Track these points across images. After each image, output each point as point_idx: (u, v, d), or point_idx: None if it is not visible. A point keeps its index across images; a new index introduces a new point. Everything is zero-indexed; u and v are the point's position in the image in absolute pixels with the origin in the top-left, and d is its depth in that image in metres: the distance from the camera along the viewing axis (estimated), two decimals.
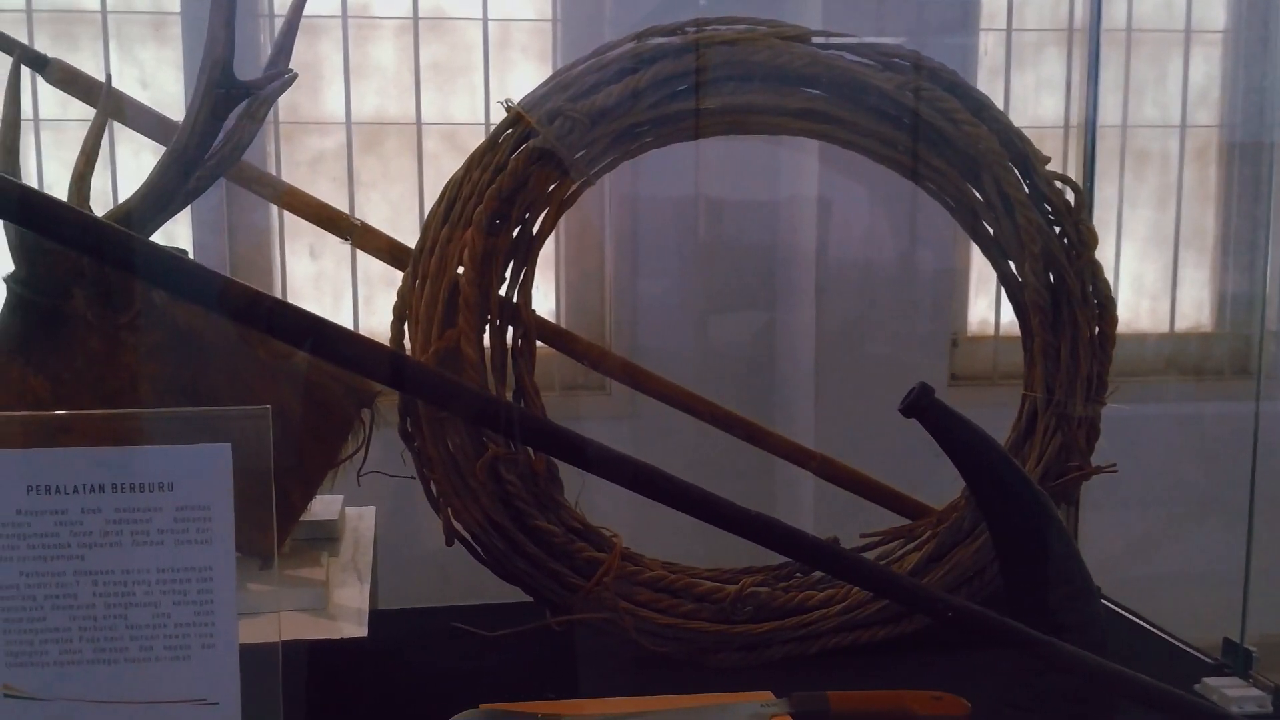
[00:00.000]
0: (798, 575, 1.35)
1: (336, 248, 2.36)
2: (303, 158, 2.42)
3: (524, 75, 2.48)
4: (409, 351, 1.26)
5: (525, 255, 1.29)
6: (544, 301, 2.31)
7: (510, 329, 1.29)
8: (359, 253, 2.19)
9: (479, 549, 1.29)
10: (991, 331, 2.58)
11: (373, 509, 1.39)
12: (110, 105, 1.19)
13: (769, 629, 1.28)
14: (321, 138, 2.45)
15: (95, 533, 0.85)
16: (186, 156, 1.02)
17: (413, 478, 1.30)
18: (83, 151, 1.12)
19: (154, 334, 1.05)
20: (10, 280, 1.05)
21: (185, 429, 0.86)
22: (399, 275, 1.31)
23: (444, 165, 2.39)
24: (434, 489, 1.29)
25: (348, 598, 1.09)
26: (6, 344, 1.07)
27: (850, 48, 1.31)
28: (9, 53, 1.28)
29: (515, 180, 1.26)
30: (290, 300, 2.27)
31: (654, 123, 1.30)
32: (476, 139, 2.26)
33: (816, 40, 1.30)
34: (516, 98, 2.48)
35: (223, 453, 0.86)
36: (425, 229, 1.29)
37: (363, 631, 1.00)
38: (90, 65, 2.27)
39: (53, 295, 1.04)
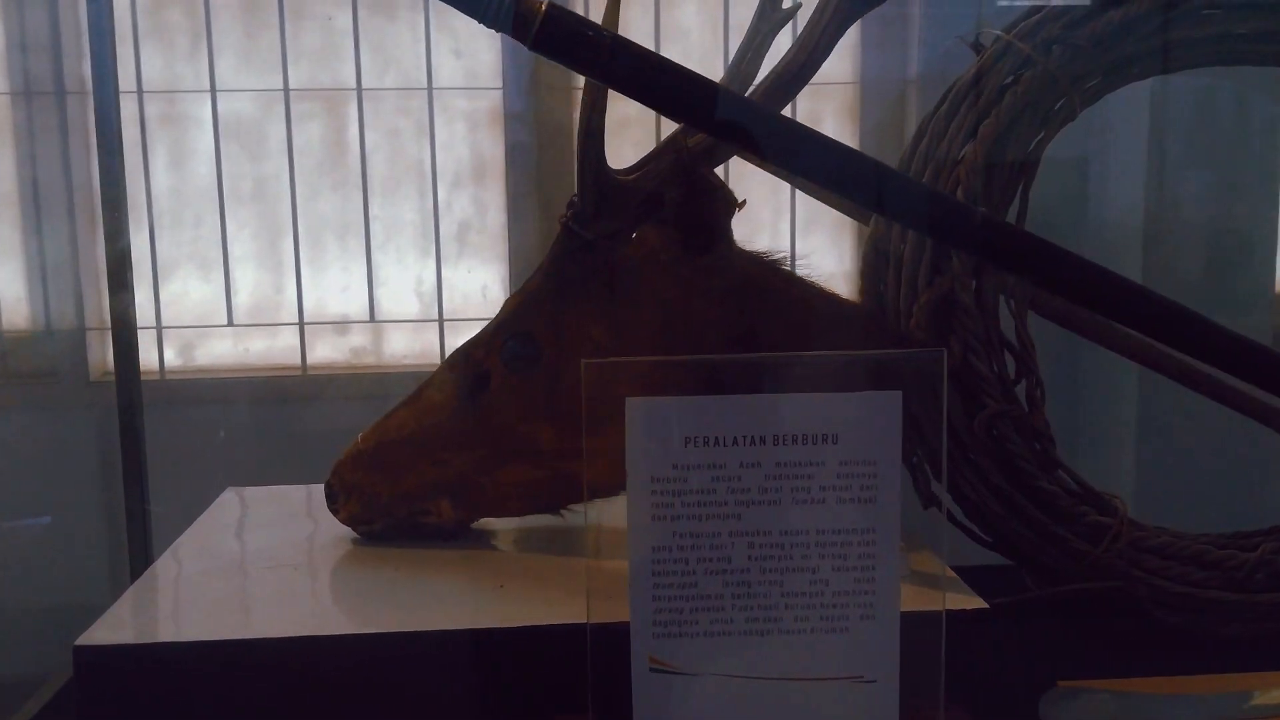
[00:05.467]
0: None
1: None
2: (607, 122, 2.28)
3: None
4: (888, 301, 1.11)
5: (1013, 192, 1.14)
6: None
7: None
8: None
9: (959, 510, 1.15)
10: None
11: None
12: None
13: None
14: (626, 103, 2.31)
15: (753, 489, 0.72)
16: (801, 75, 0.88)
17: None
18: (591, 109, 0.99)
19: (726, 277, 0.92)
20: (572, 222, 0.93)
21: (846, 375, 0.73)
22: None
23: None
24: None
25: (920, 563, 0.94)
26: (559, 289, 0.94)
27: None
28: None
29: (1011, 113, 1.10)
30: None
31: (1150, 52, 1.14)
32: None
33: None
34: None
35: (894, 401, 0.72)
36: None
37: (982, 602, 0.86)
38: (407, 35, 2.18)
39: (618, 237, 0.91)
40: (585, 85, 0.88)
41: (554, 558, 1.00)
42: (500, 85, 2.15)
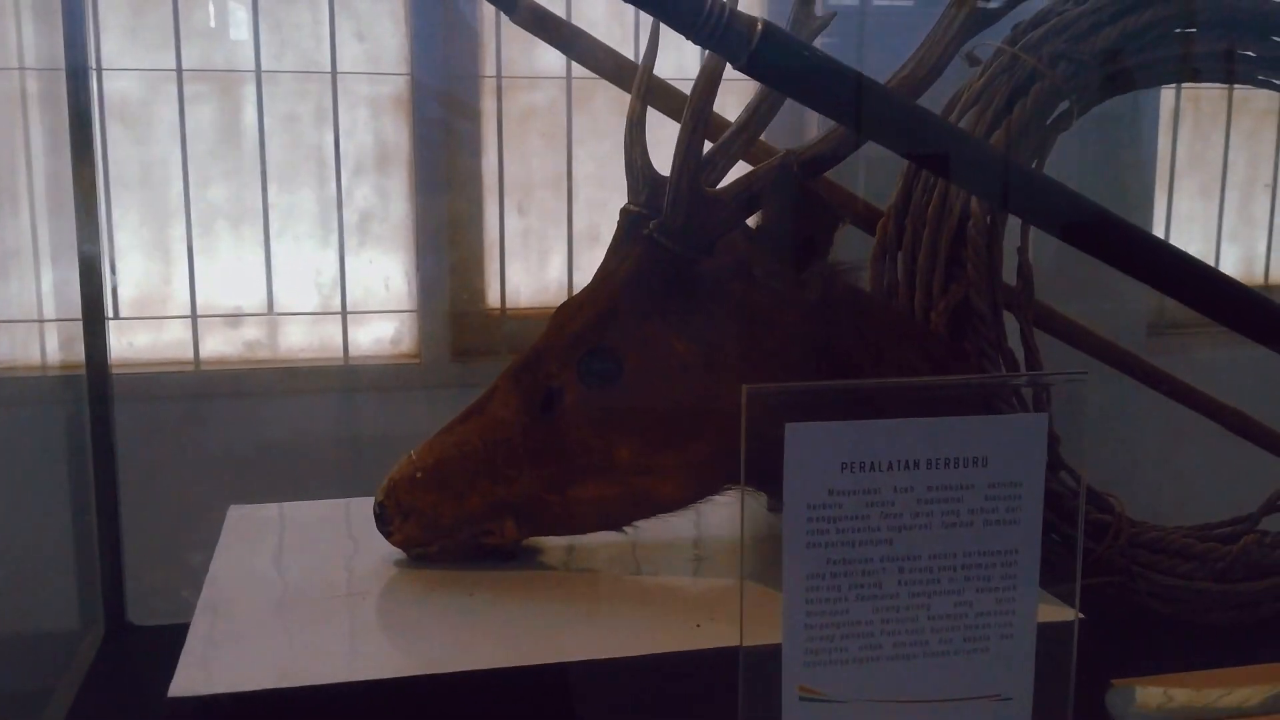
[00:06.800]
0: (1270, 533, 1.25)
1: (543, 204, 2.18)
2: (513, 111, 2.23)
3: None
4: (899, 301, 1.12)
5: None
6: None
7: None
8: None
9: None
10: None
11: None
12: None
13: (1265, 586, 1.18)
14: (531, 92, 2.26)
15: (905, 514, 0.71)
16: (924, 83, 0.86)
17: None
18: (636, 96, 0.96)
19: (815, 291, 0.89)
20: (659, 233, 0.88)
21: (987, 396, 0.72)
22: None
23: (651, 120, 2.23)
24: None
25: None
26: (641, 303, 0.90)
27: None
28: None
29: (1020, 124, 1.12)
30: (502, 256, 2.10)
31: (1142, 66, 1.18)
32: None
33: None
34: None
35: (1040, 423, 0.72)
36: (912, 173, 1.15)
37: (1075, 612, 0.86)
38: (306, 16, 2.06)
39: (704, 249, 0.88)
40: (690, 97, 0.83)
41: (626, 578, 0.96)
42: (406, 71, 2.07)
